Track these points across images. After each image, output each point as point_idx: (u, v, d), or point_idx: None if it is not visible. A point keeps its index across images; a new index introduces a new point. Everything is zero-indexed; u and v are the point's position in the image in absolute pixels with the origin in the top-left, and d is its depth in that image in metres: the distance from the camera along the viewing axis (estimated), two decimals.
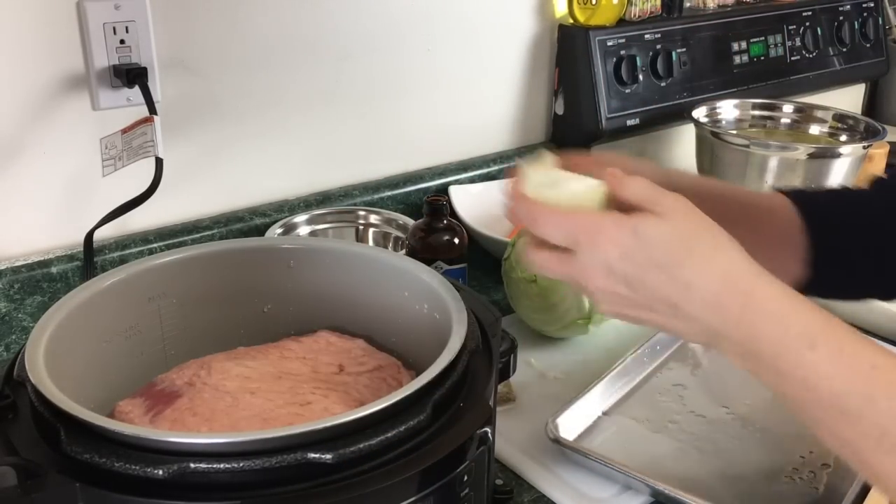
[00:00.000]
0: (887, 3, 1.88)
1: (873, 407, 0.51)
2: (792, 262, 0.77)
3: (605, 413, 0.90)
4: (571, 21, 1.40)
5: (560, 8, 1.41)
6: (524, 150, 1.44)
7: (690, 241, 0.56)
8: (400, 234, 1.17)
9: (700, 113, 1.44)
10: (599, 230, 0.56)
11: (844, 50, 1.76)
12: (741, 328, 0.55)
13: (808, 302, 0.55)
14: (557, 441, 0.82)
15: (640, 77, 1.42)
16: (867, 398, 0.51)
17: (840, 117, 1.47)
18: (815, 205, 0.77)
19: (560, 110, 1.45)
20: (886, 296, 0.82)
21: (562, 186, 0.61)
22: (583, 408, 0.88)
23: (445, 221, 1.04)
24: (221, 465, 0.52)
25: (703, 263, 0.55)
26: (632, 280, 0.56)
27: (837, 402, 0.52)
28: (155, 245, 1.08)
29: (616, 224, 0.56)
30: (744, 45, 1.59)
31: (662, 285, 0.56)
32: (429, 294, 0.72)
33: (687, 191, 0.72)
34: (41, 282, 1.00)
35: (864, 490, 0.79)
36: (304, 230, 1.16)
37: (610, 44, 1.38)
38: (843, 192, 0.85)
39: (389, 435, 0.55)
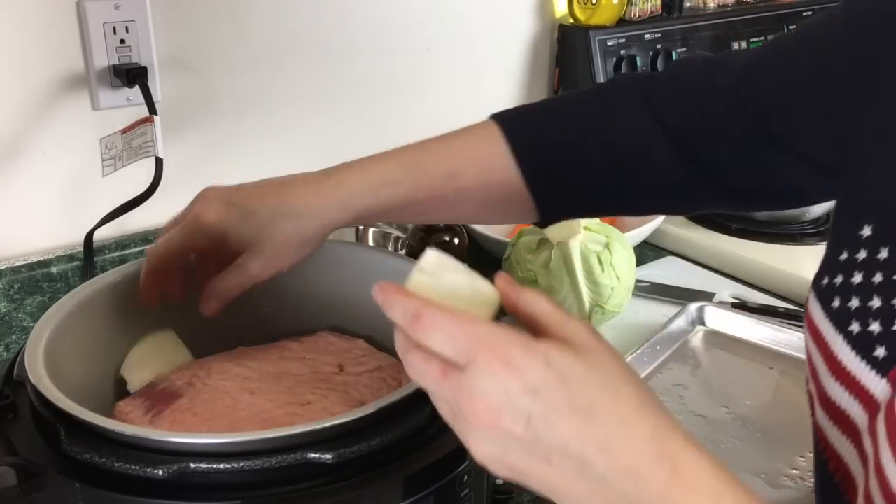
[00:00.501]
0: None
1: None
2: (522, 209, 0.73)
3: None
4: (571, 21, 1.40)
5: (560, 8, 1.41)
6: None
7: (614, 391, 0.46)
8: (400, 234, 1.17)
9: None
10: (504, 350, 0.44)
11: None
12: (662, 502, 0.44)
13: (738, 482, 0.47)
14: None
15: None
16: None
17: None
18: (528, 140, 0.72)
19: None
20: (637, 210, 0.78)
21: (445, 280, 0.51)
22: None
23: None
24: (221, 465, 0.52)
25: (627, 420, 0.45)
26: (535, 421, 0.43)
27: None
28: None
29: (526, 347, 0.45)
30: (744, 45, 1.58)
31: (574, 435, 0.44)
32: None
33: (391, 207, 0.69)
34: (41, 282, 1.00)
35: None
36: None
37: (610, 44, 1.38)
38: (552, 112, 0.76)
39: (389, 435, 0.55)
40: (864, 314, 0.52)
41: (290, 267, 0.68)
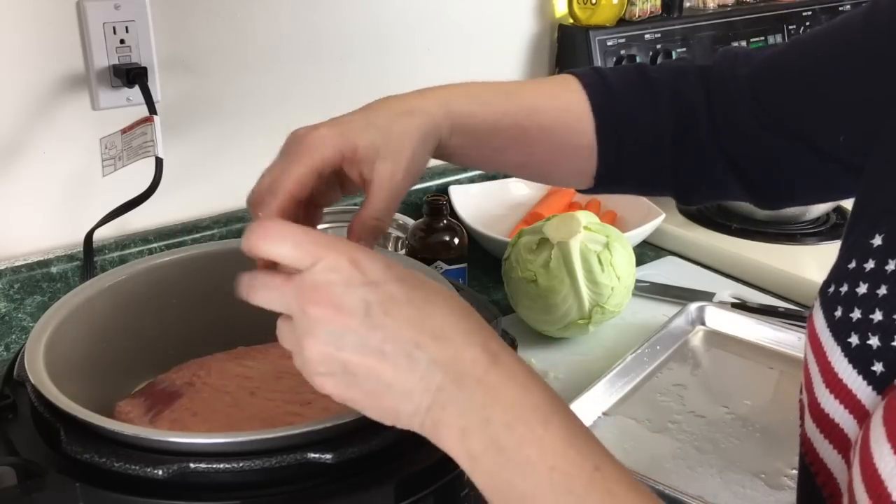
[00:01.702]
0: None
1: None
2: (584, 168, 0.74)
3: (605, 413, 0.91)
4: (571, 21, 1.40)
5: (560, 8, 1.41)
6: None
7: (446, 295, 0.49)
8: (400, 234, 1.17)
9: None
10: (349, 251, 0.48)
11: None
12: (478, 389, 0.46)
13: (546, 383, 0.49)
14: None
15: None
16: (580, 499, 0.45)
17: None
18: (607, 98, 0.73)
19: None
20: (681, 198, 0.78)
21: None
22: (583, 408, 0.88)
23: (445, 221, 1.04)
24: (221, 465, 0.52)
25: (458, 314, 0.48)
26: (374, 310, 0.46)
27: (554, 484, 0.45)
28: (155, 245, 1.08)
29: (369, 253, 0.48)
30: (744, 44, 1.58)
31: (410, 323, 0.46)
32: None
33: (482, 126, 0.69)
34: (41, 282, 1.00)
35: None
36: None
37: (610, 43, 1.38)
38: (653, 72, 0.77)
39: (389, 435, 0.55)
40: (865, 327, 0.51)
41: (417, 175, 0.66)
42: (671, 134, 0.73)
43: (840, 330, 0.53)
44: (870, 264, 0.53)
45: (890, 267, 0.51)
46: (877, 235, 0.53)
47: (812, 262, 1.24)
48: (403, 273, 0.48)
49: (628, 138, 0.73)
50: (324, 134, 0.66)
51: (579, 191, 0.78)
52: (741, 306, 1.10)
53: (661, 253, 1.30)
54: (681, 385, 0.96)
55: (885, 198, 0.55)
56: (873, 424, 0.46)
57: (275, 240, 0.48)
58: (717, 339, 1.05)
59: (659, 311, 1.11)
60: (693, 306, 1.07)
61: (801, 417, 0.57)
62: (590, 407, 0.90)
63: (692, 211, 1.41)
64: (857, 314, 0.52)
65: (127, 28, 1.00)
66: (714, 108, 0.72)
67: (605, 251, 1.00)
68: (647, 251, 1.29)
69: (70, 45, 0.98)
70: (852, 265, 0.54)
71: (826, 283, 0.56)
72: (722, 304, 1.10)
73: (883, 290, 0.51)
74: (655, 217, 1.23)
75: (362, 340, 0.46)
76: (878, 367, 0.49)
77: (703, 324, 1.07)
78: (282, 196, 0.62)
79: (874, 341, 0.50)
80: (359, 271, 0.47)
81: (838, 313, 0.53)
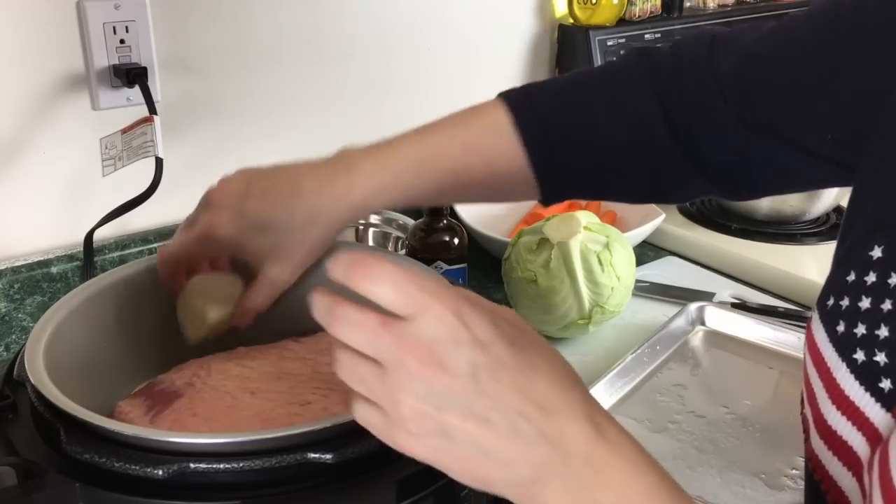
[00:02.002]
0: None
1: None
2: (532, 190, 0.73)
3: None
4: (571, 21, 1.40)
5: (560, 8, 1.41)
6: None
7: (552, 358, 0.47)
8: (400, 234, 1.17)
9: None
10: (455, 303, 0.44)
11: None
12: (586, 467, 0.44)
13: (654, 459, 0.46)
14: None
15: None
16: None
17: None
18: (539, 133, 0.71)
19: None
20: (635, 198, 0.78)
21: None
22: None
23: (445, 221, 1.04)
24: (221, 465, 0.52)
25: (565, 383, 0.46)
26: (481, 374, 0.43)
27: None
28: (155, 245, 1.08)
29: (475, 304, 0.45)
30: None
31: (517, 391, 0.44)
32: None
33: (406, 203, 0.71)
34: (41, 282, 1.00)
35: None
36: None
37: (610, 43, 1.38)
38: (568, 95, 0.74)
39: None
40: (871, 343, 0.49)
41: (315, 259, 0.70)
42: (618, 148, 0.70)
43: (844, 346, 0.51)
44: (871, 277, 0.51)
45: (893, 280, 0.50)
46: (875, 247, 0.51)
47: (812, 262, 1.24)
48: (509, 330, 0.45)
49: (569, 164, 0.71)
50: (222, 223, 0.67)
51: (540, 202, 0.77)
52: (741, 306, 1.10)
53: (661, 253, 1.30)
54: (681, 385, 0.96)
55: (883, 204, 0.53)
56: (891, 447, 0.45)
57: (375, 280, 0.44)
58: (717, 339, 1.05)
59: (659, 311, 1.11)
60: (693, 306, 1.07)
61: (806, 432, 0.56)
62: None
63: (692, 211, 1.41)
64: (861, 329, 0.50)
65: (127, 28, 1.00)
66: (682, 109, 0.68)
67: (605, 251, 1.00)
68: (647, 251, 1.29)
69: (70, 45, 0.98)
70: (851, 278, 0.52)
71: (824, 296, 0.54)
72: (722, 304, 1.10)
73: (888, 305, 0.49)
74: (655, 217, 1.23)
75: (467, 405, 0.43)
76: (886, 385, 0.48)
77: (703, 324, 1.07)
78: (176, 266, 0.68)
79: (881, 358, 0.49)
80: (466, 328, 0.44)
81: (841, 328, 0.52)
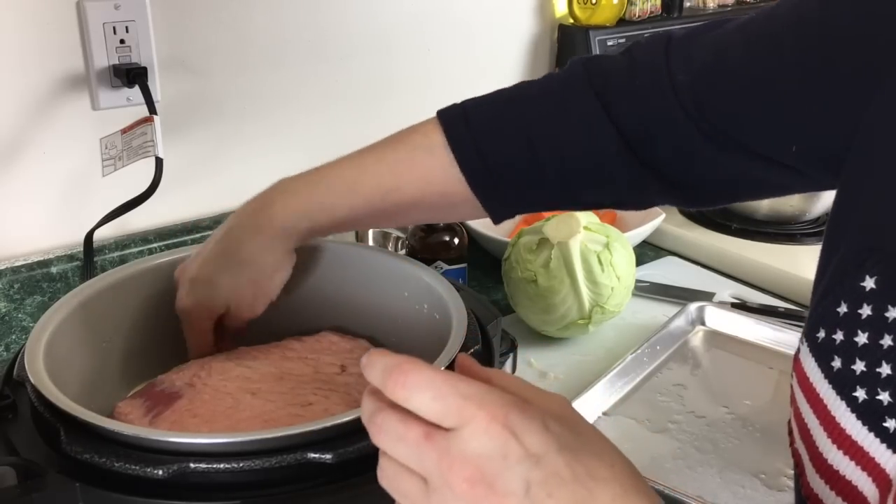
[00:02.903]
0: None
1: None
2: (475, 210, 0.71)
3: (605, 413, 0.91)
4: (571, 21, 1.40)
5: (560, 8, 1.41)
6: None
7: (611, 460, 0.44)
8: (400, 234, 1.17)
9: None
10: (502, 411, 0.40)
11: None
12: None
13: None
14: None
15: None
16: None
17: None
18: (475, 155, 0.68)
19: None
20: (575, 204, 0.74)
21: None
22: (583, 408, 0.88)
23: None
24: (221, 465, 0.52)
25: (626, 490, 0.42)
26: (536, 490, 0.39)
27: None
28: (155, 245, 1.08)
29: (524, 410, 0.41)
30: None
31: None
32: (429, 294, 0.73)
33: (336, 226, 0.71)
34: (41, 282, 1.00)
35: None
36: None
37: (610, 43, 1.38)
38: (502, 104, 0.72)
39: None
40: (872, 381, 0.46)
41: (277, 289, 0.75)
42: (564, 163, 0.67)
43: (843, 383, 0.48)
44: (865, 310, 0.48)
45: (891, 314, 0.46)
46: (867, 277, 0.48)
47: (812, 262, 1.22)
48: (563, 435, 0.41)
49: (510, 181, 0.69)
50: (190, 310, 0.73)
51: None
52: (741, 306, 1.10)
53: (661, 253, 1.30)
54: (681, 385, 0.96)
55: (869, 230, 0.49)
56: None
57: (413, 389, 0.40)
58: (717, 339, 1.05)
59: (659, 311, 1.11)
60: (693, 306, 1.07)
61: (799, 466, 0.53)
62: (590, 407, 0.90)
63: (692, 211, 1.41)
64: (860, 366, 0.47)
65: (127, 28, 1.00)
66: (635, 119, 0.65)
67: (605, 251, 1.00)
68: (647, 251, 1.29)
69: (70, 45, 0.98)
70: (843, 310, 0.49)
71: (813, 328, 0.51)
72: (722, 304, 1.10)
73: (888, 341, 0.46)
74: (655, 217, 1.23)
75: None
76: (891, 424, 0.45)
77: (703, 324, 1.07)
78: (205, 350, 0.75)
79: (884, 397, 0.46)
80: (516, 440, 0.39)
81: (837, 364, 0.48)
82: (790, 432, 0.54)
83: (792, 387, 0.54)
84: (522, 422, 0.40)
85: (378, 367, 0.42)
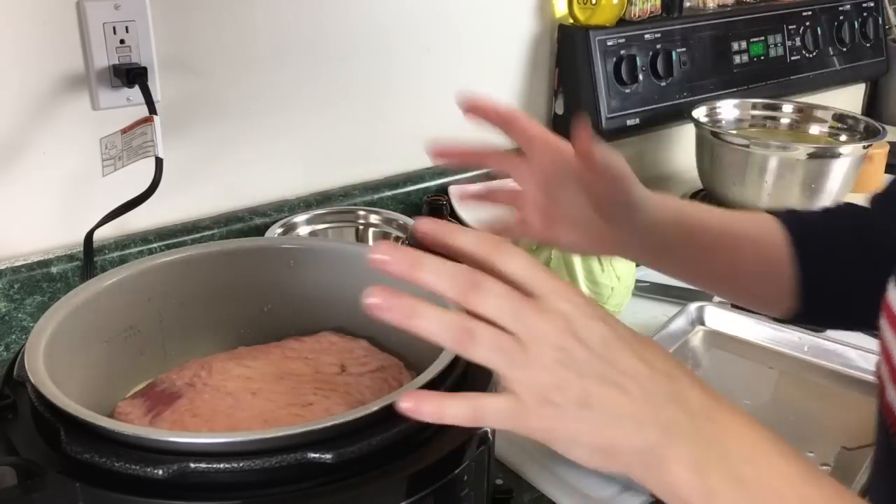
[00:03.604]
0: (887, 3, 1.88)
1: None
2: (776, 292, 0.75)
3: None
4: (571, 21, 1.40)
5: (560, 8, 1.41)
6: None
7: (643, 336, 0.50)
8: (400, 234, 1.17)
9: (700, 113, 1.44)
10: (575, 289, 0.48)
11: (844, 50, 1.76)
12: (711, 425, 0.47)
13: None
14: None
15: (640, 77, 1.42)
16: None
17: (840, 117, 1.47)
18: (805, 229, 0.75)
19: (560, 110, 1.45)
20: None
21: None
22: None
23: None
24: (221, 465, 0.52)
25: (669, 358, 0.49)
26: (609, 342, 0.47)
27: None
28: (155, 245, 1.08)
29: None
30: (744, 44, 1.59)
31: (642, 359, 0.47)
32: (428, 294, 0.72)
33: (664, 217, 0.73)
34: (41, 282, 1.00)
35: (864, 491, 0.79)
36: (304, 230, 1.16)
37: (610, 44, 1.38)
38: (837, 213, 0.80)
39: (389, 435, 0.55)
40: None
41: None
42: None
43: None
44: None
45: None
46: None
47: None
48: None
49: (830, 273, 0.74)
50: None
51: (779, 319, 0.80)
52: (741, 306, 1.10)
53: None
54: None
55: None
56: None
57: (513, 254, 0.48)
58: (717, 339, 1.05)
59: (659, 311, 1.11)
60: (693, 306, 1.07)
61: (881, 387, 0.57)
62: None
63: None
64: None
65: (127, 28, 1.00)
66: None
67: None
68: None
69: (70, 45, 0.98)
70: None
71: None
72: (722, 304, 1.10)
73: None
74: None
75: (602, 372, 0.46)
76: None
77: (703, 324, 1.07)
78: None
79: None
80: (591, 306, 0.47)
81: None
82: (880, 386, 0.57)
83: (881, 334, 0.58)
84: (589, 298, 0.49)
85: (476, 235, 0.48)
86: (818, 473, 0.48)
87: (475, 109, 0.69)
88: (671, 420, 0.46)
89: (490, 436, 0.61)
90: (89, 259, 1.01)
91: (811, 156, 1.31)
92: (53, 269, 1.01)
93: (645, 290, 1.15)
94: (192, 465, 0.51)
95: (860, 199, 0.83)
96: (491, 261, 0.47)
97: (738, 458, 0.46)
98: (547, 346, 0.46)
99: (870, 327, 0.71)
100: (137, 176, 0.99)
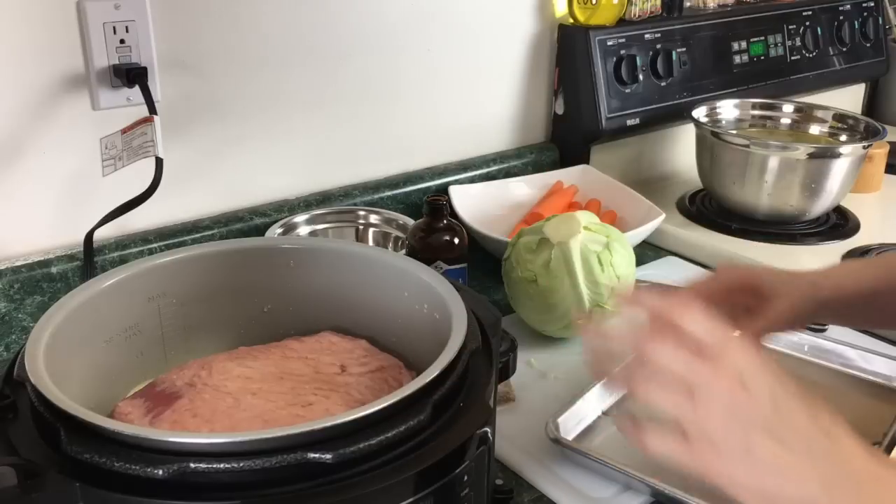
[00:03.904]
0: (887, 3, 1.88)
1: None
2: None
3: (605, 413, 0.90)
4: (571, 21, 1.40)
5: (560, 8, 1.41)
6: (524, 150, 1.44)
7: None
8: (400, 234, 1.17)
9: (700, 113, 1.44)
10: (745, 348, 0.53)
11: (844, 50, 1.76)
12: (874, 483, 0.50)
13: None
14: (557, 441, 0.82)
15: (640, 77, 1.42)
16: None
17: (840, 117, 1.47)
18: None
19: (560, 110, 1.45)
20: None
21: None
22: (583, 408, 0.88)
23: (445, 221, 1.04)
24: (221, 465, 0.52)
25: (830, 415, 0.53)
26: (778, 397, 0.51)
27: None
28: (155, 245, 1.08)
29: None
30: (744, 44, 1.58)
31: (806, 418, 0.52)
32: (429, 294, 0.73)
33: (834, 300, 0.77)
34: (41, 282, 1.00)
35: None
36: (304, 230, 1.16)
37: (610, 43, 1.38)
38: None
39: (389, 435, 0.55)
40: None
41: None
42: None
43: None
44: None
45: None
46: None
47: (812, 262, 1.23)
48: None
49: None
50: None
51: None
52: None
53: (661, 253, 1.30)
54: None
55: None
56: None
57: (694, 314, 0.53)
58: None
59: None
60: None
61: None
62: (590, 407, 0.89)
63: (692, 211, 1.41)
64: None
65: (127, 28, 1.00)
66: None
67: (605, 251, 1.00)
68: (647, 251, 1.29)
69: (70, 45, 0.98)
70: None
71: None
72: None
73: None
74: (655, 217, 1.23)
75: (768, 424, 0.51)
76: None
77: None
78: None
79: None
80: (761, 360, 0.52)
81: None
82: None
83: None
84: (760, 355, 0.53)
85: (656, 297, 0.55)
86: None
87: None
88: (832, 476, 0.50)
89: (490, 436, 0.61)
90: (89, 259, 1.01)
91: (811, 156, 1.31)
92: (53, 269, 1.01)
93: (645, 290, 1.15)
94: (192, 465, 0.51)
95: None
96: (678, 319, 0.53)
97: None
98: (717, 398, 0.51)
99: None
100: (137, 176, 0.99)
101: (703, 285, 0.78)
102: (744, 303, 0.77)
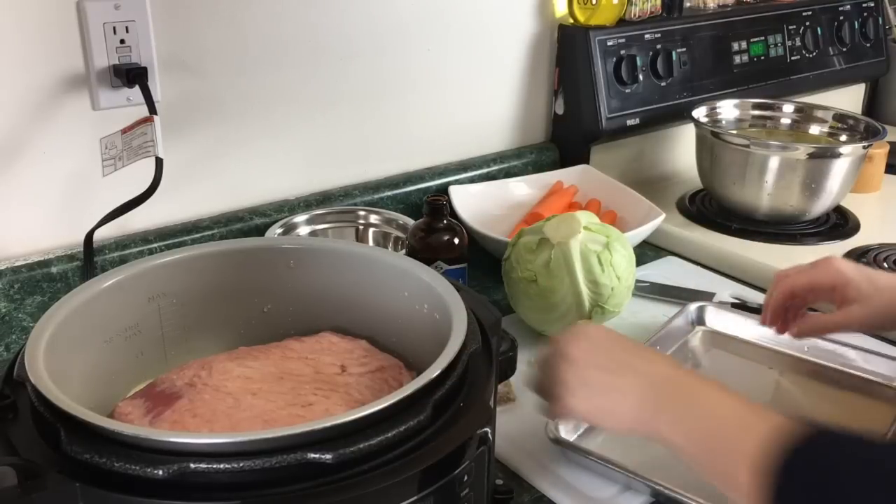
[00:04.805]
0: (887, 3, 1.88)
1: None
2: None
3: None
4: (571, 21, 1.40)
5: (560, 8, 1.41)
6: (524, 150, 1.44)
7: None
8: (400, 234, 1.17)
9: (700, 113, 1.44)
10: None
11: (844, 50, 1.76)
12: (670, 384, 0.67)
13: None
14: (557, 441, 0.82)
15: (640, 77, 1.42)
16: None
17: (840, 117, 1.47)
18: None
19: (560, 110, 1.45)
20: None
21: None
22: None
23: (445, 221, 1.04)
24: (221, 465, 0.52)
25: (650, 350, 0.74)
26: (602, 351, 0.72)
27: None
28: (155, 245, 1.08)
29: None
30: (744, 44, 1.59)
31: (623, 354, 0.71)
32: (429, 294, 0.73)
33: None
34: (41, 282, 1.00)
35: None
36: (304, 230, 1.16)
37: (610, 44, 1.38)
38: None
39: (389, 435, 0.55)
40: None
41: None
42: None
43: None
44: None
45: None
46: None
47: None
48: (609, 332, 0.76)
49: None
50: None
51: None
52: (741, 306, 1.10)
53: (661, 253, 1.30)
54: None
55: None
56: None
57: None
58: (717, 339, 1.05)
59: (659, 311, 1.11)
60: (693, 306, 1.07)
61: None
62: None
63: (692, 211, 1.41)
64: None
65: (127, 28, 1.00)
66: None
67: (605, 251, 1.00)
68: (647, 251, 1.29)
69: (70, 45, 0.98)
70: None
71: None
72: (722, 304, 1.10)
73: None
74: (655, 217, 1.23)
75: (600, 363, 0.70)
76: None
77: (703, 324, 1.07)
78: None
79: None
80: (605, 331, 0.75)
81: None
82: None
83: None
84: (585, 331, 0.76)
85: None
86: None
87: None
88: (646, 388, 0.68)
89: (490, 436, 0.61)
90: (89, 259, 1.01)
91: (811, 156, 1.31)
92: (53, 269, 1.01)
93: (645, 290, 1.15)
94: (192, 465, 0.51)
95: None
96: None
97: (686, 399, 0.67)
98: (568, 357, 0.71)
99: None
100: (137, 176, 0.99)
101: (796, 273, 0.91)
102: (828, 298, 0.89)
